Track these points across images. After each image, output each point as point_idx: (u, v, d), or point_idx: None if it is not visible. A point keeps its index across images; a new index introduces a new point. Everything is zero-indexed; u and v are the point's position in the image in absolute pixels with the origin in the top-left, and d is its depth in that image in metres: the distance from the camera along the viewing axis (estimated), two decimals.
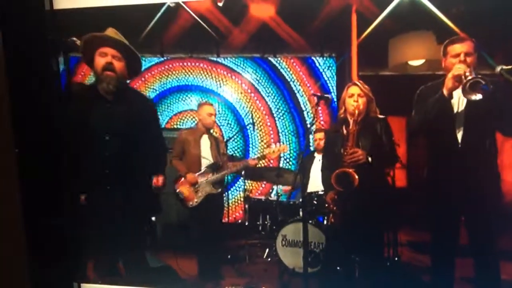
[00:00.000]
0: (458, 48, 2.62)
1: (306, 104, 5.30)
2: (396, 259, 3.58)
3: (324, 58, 5.33)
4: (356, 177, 2.59)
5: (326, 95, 2.85)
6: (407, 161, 4.68)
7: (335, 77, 5.27)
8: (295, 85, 5.32)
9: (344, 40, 4.97)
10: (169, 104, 5.38)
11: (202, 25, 4.79)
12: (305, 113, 5.31)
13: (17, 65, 1.66)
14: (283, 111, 5.35)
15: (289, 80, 5.33)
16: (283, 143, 5.24)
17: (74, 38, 2.18)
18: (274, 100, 5.35)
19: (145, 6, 4.57)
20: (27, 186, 1.68)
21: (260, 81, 5.35)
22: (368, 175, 2.64)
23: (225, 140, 3.99)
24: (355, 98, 2.78)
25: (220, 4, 4.80)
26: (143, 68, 5.36)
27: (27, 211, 1.68)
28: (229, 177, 5.01)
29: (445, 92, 2.56)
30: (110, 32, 2.46)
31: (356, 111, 2.71)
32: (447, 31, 4.03)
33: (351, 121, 2.75)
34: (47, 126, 1.74)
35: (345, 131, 2.79)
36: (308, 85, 5.30)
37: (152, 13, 4.44)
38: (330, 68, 5.31)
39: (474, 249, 2.72)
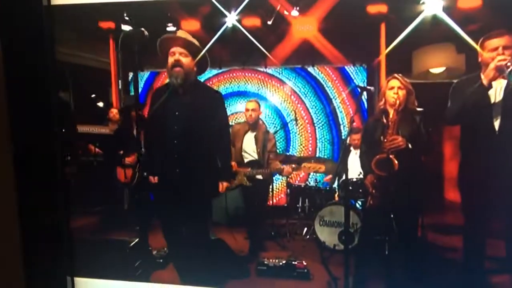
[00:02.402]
0: (496, 42, 2.18)
1: (344, 119, 4.84)
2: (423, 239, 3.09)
3: (356, 67, 4.85)
4: (396, 162, 2.14)
5: (368, 87, 2.44)
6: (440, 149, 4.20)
7: (365, 84, 4.80)
8: (336, 102, 4.87)
9: (373, 52, 4.54)
10: (228, 105, 5.08)
11: (253, 41, 4.53)
12: (341, 126, 4.86)
13: (14, 61, 1.36)
14: (323, 123, 4.91)
15: (331, 97, 4.88)
16: (320, 149, 4.83)
17: (142, 29, 1.88)
18: (316, 112, 4.91)
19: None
20: (22, 182, 1.37)
21: (307, 95, 4.94)
22: (406, 161, 2.19)
23: (272, 132, 3.50)
24: (395, 90, 2.33)
25: (270, 23, 4.51)
26: (212, 74, 5.28)
27: (22, 206, 1.37)
28: None
29: (485, 82, 2.11)
30: (180, 33, 2.20)
31: (397, 101, 2.27)
32: (466, 43, 3.54)
33: (391, 111, 2.31)
34: (43, 122, 1.42)
35: (384, 121, 2.36)
36: (348, 104, 4.84)
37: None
38: (361, 76, 4.84)
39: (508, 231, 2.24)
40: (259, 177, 3.15)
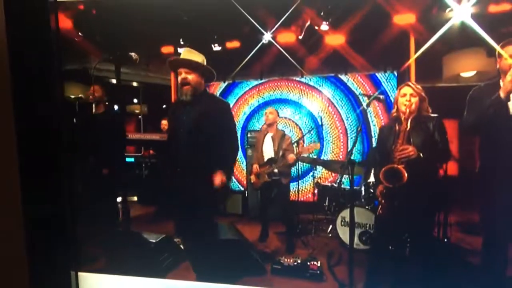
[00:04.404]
0: None
1: (376, 133, 4.16)
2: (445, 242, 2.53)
3: (386, 74, 4.23)
4: (405, 173, 1.72)
5: (378, 96, 2.00)
6: (460, 155, 3.46)
7: (396, 89, 4.16)
8: (370, 116, 4.17)
9: (403, 58, 3.93)
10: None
11: (288, 53, 4.24)
12: (373, 139, 4.19)
13: (20, 57, 1.22)
14: (355, 133, 4.29)
15: (366, 110, 4.17)
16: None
17: (133, 54, 1.74)
18: (350, 124, 4.34)
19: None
20: (26, 176, 1.24)
21: (343, 106, 4.40)
22: (419, 171, 1.75)
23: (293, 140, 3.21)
24: (407, 98, 1.89)
25: (300, 37, 4.17)
26: (259, 82, 4.91)
27: (25, 200, 1.23)
28: (305, 166, 4.30)
29: (502, 94, 1.60)
30: (184, 53, 2.02)
31: (407, 110, 1.83)
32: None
33: (403, 119, 1.87)
34: (46, 115, 1.28)
35: (397, 129, 1.93)
36: (382, 118, 4.08)
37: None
38: (391, 82, 4.20)
39: None
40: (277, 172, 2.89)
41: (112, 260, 1.99)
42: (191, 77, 1.93)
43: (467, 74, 3.75)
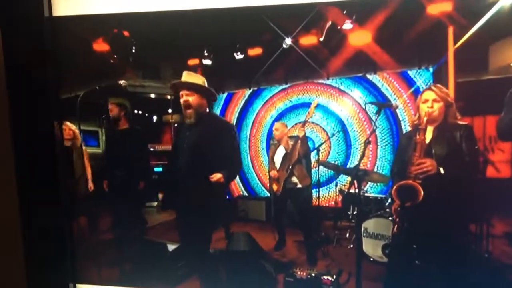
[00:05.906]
0: None
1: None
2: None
3: (420, 71, 3.76)
4: (421, 190, 1.45)
5: (388, 104, 1.73)
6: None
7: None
8: (405, 125, 3.70)
9: (440, 51, 3.45)
10: (297, 114, 4.54)
11: (310, 57, 3.99)
12: None
13: (16, 71, 1.22)
14: (386, 142, 3.91)
15: (401, 119, 3.72)
16: (378, 167, 3.84)
17: (121, 82, 1.71)
18: (382, 131, 3.85)
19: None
20: (24, 187, 1.23)
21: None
22: (439, 188, 1.47)
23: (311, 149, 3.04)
24: (429, 104, 1.60)
25: (321, 39, 3.90)
26: (287, 86, 4.63)
27: (23, 212, 1.23)
28: (330, 173, 4.02)
29: None
30: (184, 76, 1.98)
31: (425, 118, 1.55)
32: None
33: (421, 129, 1.60)
34: (44, 127, 1.26)
35: (417, 139, 1.65)
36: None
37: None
38: (426, 80, 3.72)
39: None
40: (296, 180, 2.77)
41: (113, 271, 2.02)
42: (192, 98, 1.92)
43: None
